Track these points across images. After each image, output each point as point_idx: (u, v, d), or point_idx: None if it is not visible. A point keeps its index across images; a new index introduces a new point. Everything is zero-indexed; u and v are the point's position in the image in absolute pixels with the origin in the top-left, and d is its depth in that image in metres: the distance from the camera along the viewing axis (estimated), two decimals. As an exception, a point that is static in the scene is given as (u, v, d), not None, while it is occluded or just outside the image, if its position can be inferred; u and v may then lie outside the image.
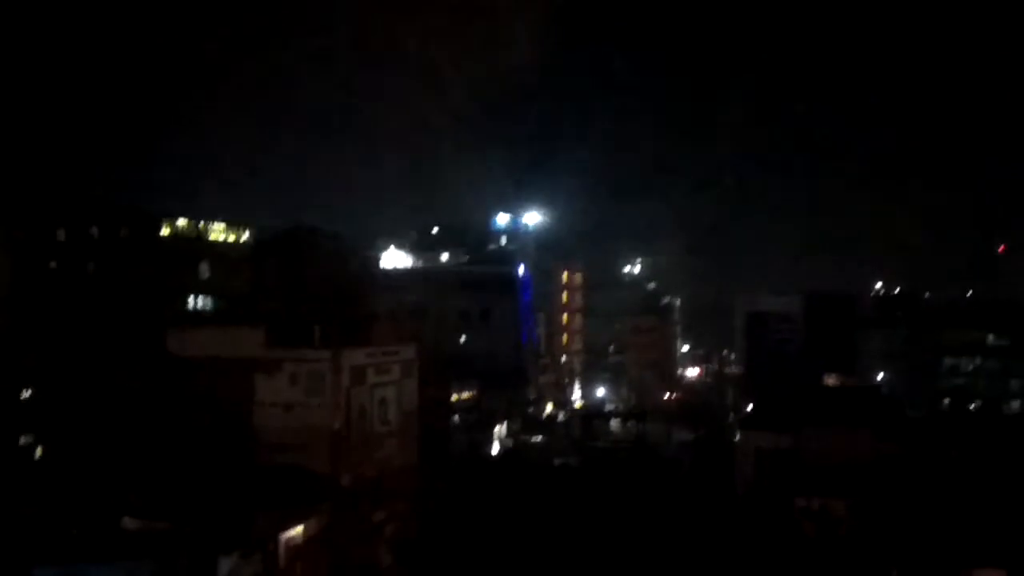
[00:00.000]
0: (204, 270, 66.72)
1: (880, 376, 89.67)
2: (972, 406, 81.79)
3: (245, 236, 71.94)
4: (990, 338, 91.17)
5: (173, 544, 35.37)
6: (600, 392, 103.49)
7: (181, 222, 67.22)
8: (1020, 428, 57.58)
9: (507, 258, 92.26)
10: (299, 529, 38.50)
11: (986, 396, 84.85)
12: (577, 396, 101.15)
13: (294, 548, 37.64)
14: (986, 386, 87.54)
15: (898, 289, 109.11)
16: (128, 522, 37.95)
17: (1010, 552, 35.29)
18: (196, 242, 67.48)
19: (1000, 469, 42.23)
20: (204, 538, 35.69)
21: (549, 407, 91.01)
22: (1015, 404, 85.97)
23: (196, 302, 65.80)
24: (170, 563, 34.46)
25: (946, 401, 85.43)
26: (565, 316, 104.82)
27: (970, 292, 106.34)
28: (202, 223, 68.82)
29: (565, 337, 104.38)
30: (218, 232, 70.15)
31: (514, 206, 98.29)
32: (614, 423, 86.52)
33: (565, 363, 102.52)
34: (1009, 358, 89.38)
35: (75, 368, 52.34)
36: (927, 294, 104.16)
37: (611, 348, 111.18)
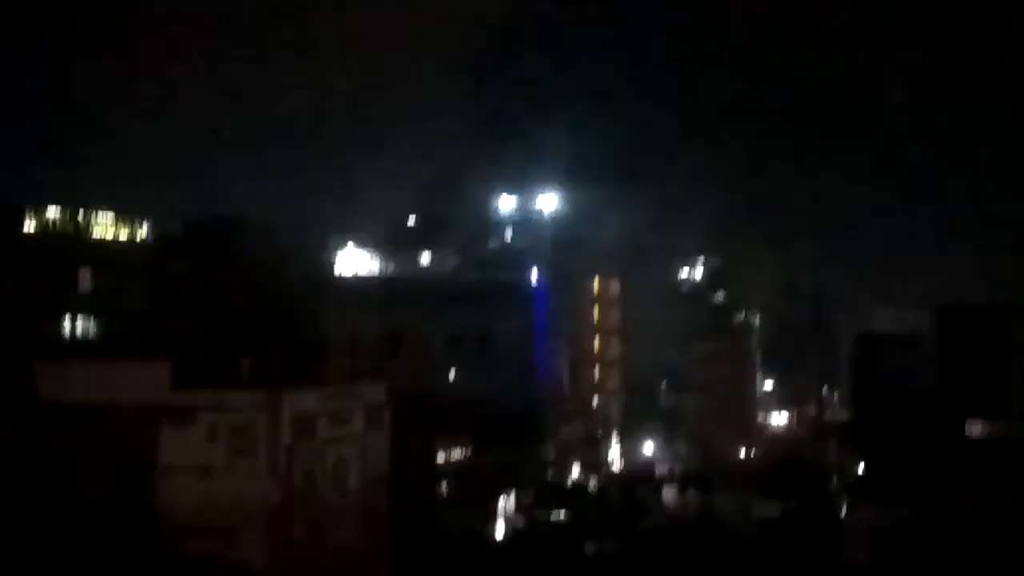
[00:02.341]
0: (85, 279, 66.75)
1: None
2: None
3: (143, 233, 72.02)
4: None
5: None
6: (648, 449, 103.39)
7: (52, 214, 67.29)
8: None
9: (514, 260, 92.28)
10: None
11: None
12: (615, 454, 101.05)
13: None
14: None
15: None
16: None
17: None
18: (74, 241, 67.54)
19: None
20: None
21: (576, 471, 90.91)
22: None
23: (75, 324, 65.83)
24: None
25: None
26: (597, 341, 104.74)
27: None
28: (82, 215, 68.89)
29: (597, 371, 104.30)
30: (105, 227, 70.21)
31: (524, 186, 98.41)
32: (668, 492, 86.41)
33: (598, 408, 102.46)
34: None
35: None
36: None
37: (663, 386, 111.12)
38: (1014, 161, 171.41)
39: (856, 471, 77.14)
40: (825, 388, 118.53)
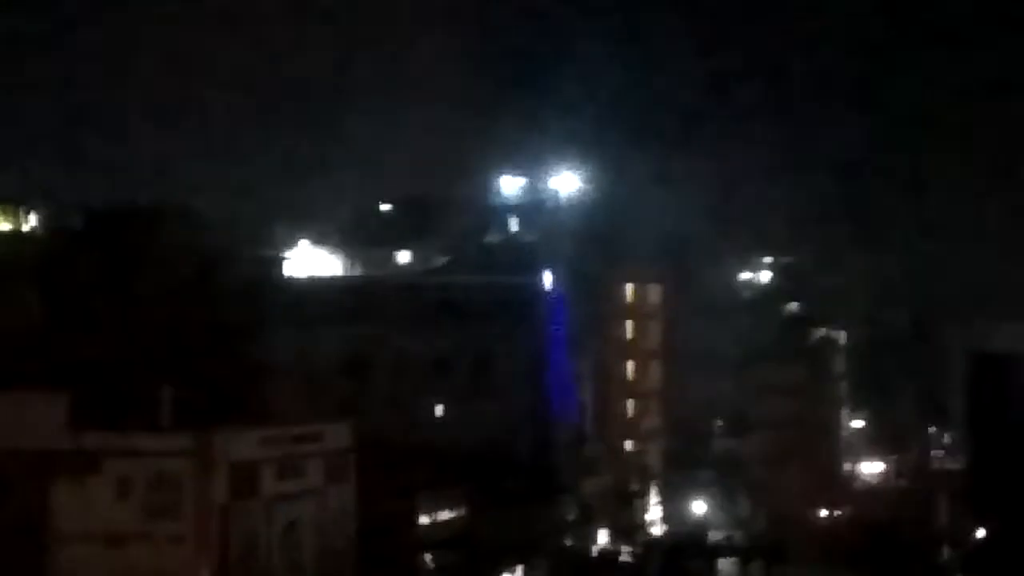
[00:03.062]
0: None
1: None
2: None
3: (30, 223, 72.24)
4: None
5: None
6: (699, 508, 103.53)
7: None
8: None
9: (520, 258, 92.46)
10: None
11: None
12: (656, 515, 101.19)
13: None
14: None
15: None
16: None
17: None
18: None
19: None
20: None
21: (604, 536, 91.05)
22: None
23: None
24: None
25: None
26: (632, 366, 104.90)
27: None
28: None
29: (631, 404, 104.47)
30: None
31: (532, 164, 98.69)
32: (725, 565, 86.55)
33: (632, 453, 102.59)
34: None
35: None
36: None
37: (719, 425, 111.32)
38: None
39: (974, 536, 77.18)
40: (932, 427, 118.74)
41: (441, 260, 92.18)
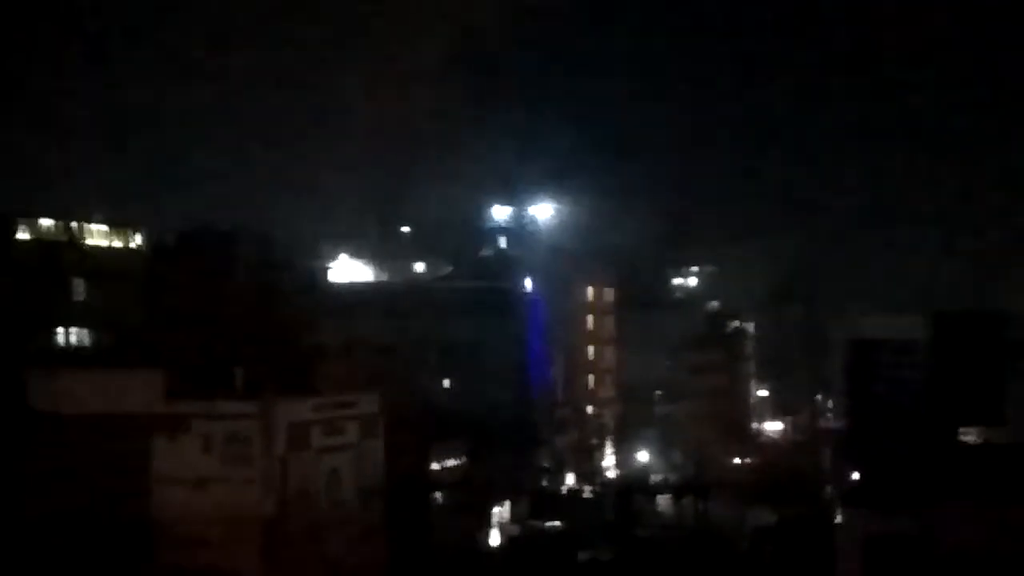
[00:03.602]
0: (79, 289, 66.70)
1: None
2: None
3: (136, 241, 72.00)
4: None
5: None
6: (643, 457, 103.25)
7: (46, 223, 67.23)
8: None
9: (508, 268, 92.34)
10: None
11: None
12: (611, 463, 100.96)
13: None
14: None
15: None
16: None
17: None
18: (68, 250, 67.50)
19: None
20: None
21: (570, 479, 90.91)
22: None
23: (68, 334, 65.74)
24: None
25: None
26: (592, 350, 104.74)
27: None
28: (76, 225, 68.82)
29: (592, 379, 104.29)
30: (99, 236, 70.17)
31: (517, 195, 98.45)
32: (663, 501, 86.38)
33: (592, 416, 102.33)
34: None
35: None
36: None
37: (658, 394, 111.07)
38: (1012, 164, 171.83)
39: (851, 478, 77.13)
40: (819, 395, 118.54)
41: (447, 269, 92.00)
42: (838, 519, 57.90)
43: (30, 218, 66.56)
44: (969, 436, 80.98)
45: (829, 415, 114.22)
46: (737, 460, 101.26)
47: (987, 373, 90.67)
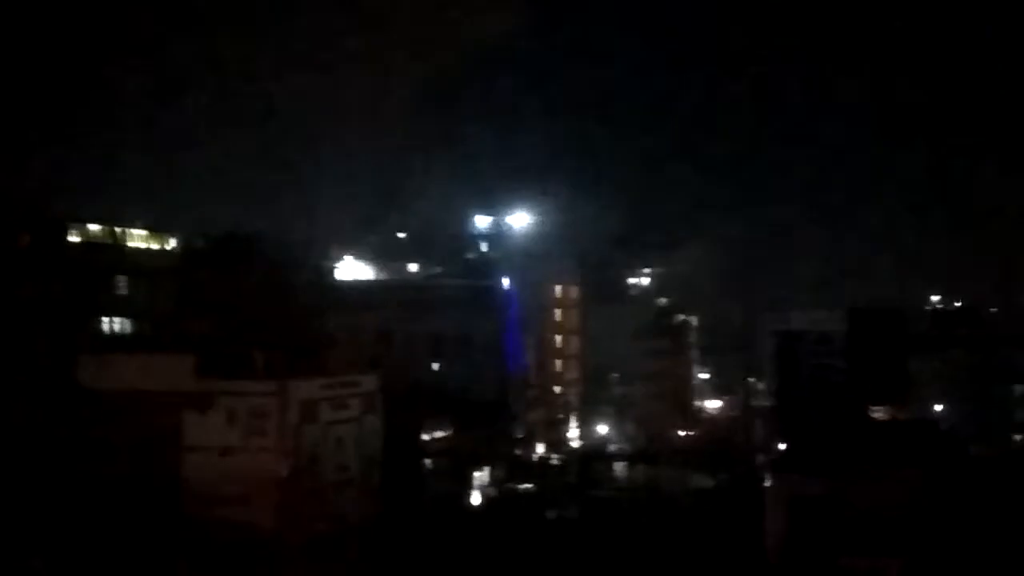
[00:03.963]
0: (122, 285, 66.42)
1: (938, 408, 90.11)
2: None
3: (171, 244, 71.70)
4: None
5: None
6: (602, 430, 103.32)
7: (94, 228, 66.91)
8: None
9: (488, 269, 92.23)
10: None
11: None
12: (575, 434, 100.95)
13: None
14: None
15: (959, 304, 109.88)
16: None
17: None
18: (112, 251, 67.21)
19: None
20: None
21: (540, 448, 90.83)
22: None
23: (112, 323, 65.44)
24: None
25: (1017, 437, 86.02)
26: (558, 338, 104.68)
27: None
28: (119, 230, 68.52)
29: (559, 364, 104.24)
30: (139, 240, 69.88)
31: (496, 206, 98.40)
32: (619, 467, 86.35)
33: (559, 395, 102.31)
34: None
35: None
36: (992, 311, 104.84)
37: (615, 377, 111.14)
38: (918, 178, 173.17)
39: (778, 448, 77.36)
40: (752, 378, 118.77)
41: (436, 270, 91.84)
42: (767, 483, 57.96)
43: (80, 223, 66.24)
44: (877, 413, 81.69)
45: (759, 395, 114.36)
46: (681, 432, 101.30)
47: (893, 361, 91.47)
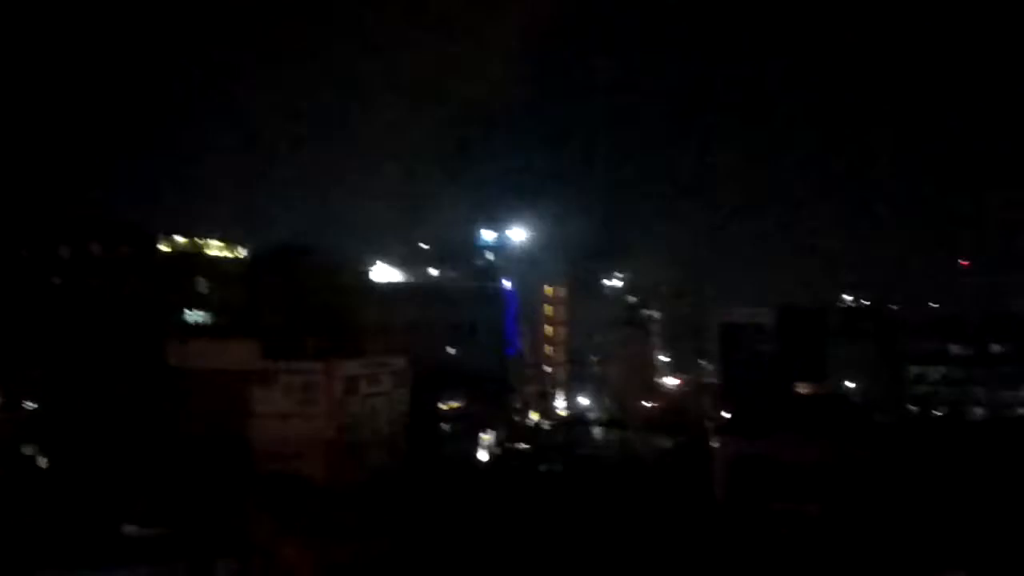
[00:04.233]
0: (202, 285, 66.53)
1: (850, 384, 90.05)
2: (937, 412, 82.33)
3: (241, 253, 71.80)
4: (953, 348, 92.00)
5: (172, 549, 35.25)
6: (583, 401, 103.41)
7: (180, 239, 67.06)
8: (982, 433, 57.98)
9: (493, 273, 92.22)
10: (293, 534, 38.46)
11: (950, 403, 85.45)
12: (561, 405, 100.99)
13: (289, 551, 37.61)
14: (950, 393, 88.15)
15: (866, 302, 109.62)
16: (128, 529, 37.83)
17: (975, 557, 35.50)
18: (194, 258, 67.33)
19: (964, 473, 42.53)
20: (202, 544, 35.59)
21: (534, 416, 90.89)
22: (978, 410, 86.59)
23: (195, 316, 65.57)
24: (169, 568, 34.33)
25: (912, 408, 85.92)
26: (549, 328, 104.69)
27: (935, 306, 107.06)
28: (200, 240, 68.64)
29: (549, 348, 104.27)
30: (215, 249, 69.97)
31: (500, 223, 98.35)
32: (596, 431, 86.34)
33: (549, 373, 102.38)
34: (971, 367, 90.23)
35: (78, 380, 52.10)
36: (894, 307, 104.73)
37: (593, 359, 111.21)
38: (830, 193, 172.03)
39: (722, 416, 77.46)
40: (703, 361, 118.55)
41: (452, 274, 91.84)
42: (714, 444, 58.04)
43: (168, 235, 66.35)
44: (801, 388, 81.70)
45: (708, 374, 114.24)
46: (646, 404, 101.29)
47: (813, 347, 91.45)
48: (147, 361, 50.55)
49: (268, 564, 35.91)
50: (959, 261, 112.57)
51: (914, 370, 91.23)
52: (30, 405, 54.14)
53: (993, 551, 35.73)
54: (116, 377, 50.68)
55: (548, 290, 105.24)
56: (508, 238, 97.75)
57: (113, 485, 42.13)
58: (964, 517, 38.18)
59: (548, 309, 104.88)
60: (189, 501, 38.51)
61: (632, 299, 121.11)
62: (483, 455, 69.60)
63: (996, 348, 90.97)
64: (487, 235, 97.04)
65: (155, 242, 65.03)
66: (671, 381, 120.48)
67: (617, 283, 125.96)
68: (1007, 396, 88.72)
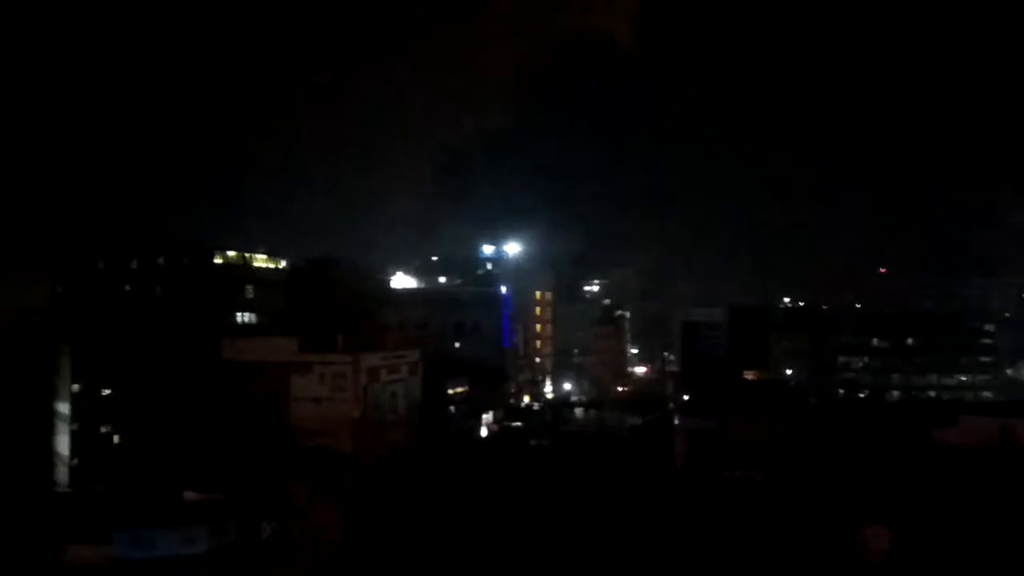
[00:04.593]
0: (249, 292, 66.40)
1: (788, 372, 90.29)
2: (860, 395, 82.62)
3: (282, 264, 71.70)
4: (874, 341, 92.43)
5: (225, 512, 35.25)
6: (567, 386, 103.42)
7: (231, 253, 66.97)
8: (898, 413, 58.18)
9: (492, 280, 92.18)
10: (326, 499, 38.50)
11: (871, 387, 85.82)
12: (549, 389, 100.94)
13: (323, 514, 37.65)
14: (871, 379, 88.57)
15: (802, 303, 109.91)
16: (189, 495, 37.83)
17: (892, 512, 35.65)
18: (243, 269, 67.17)
19: (882, 444, 42.71)
20: (250, 507, 35.59)
21: (526, 399, 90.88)
22: (895, 393, 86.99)
23: (243, 317, 65.43)
24: (222, 528, 34.33)
25: (840, 391, 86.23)
26: (538, 326, 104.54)
27: (859, 305, 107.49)
28: (247, 254, 68.52)
29: (538, 343, 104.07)
30: (260, 261, 69.85)
31: (498, 239, 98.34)
32: (578, 411, 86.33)
33: (539, 363, 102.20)
34: (888, 357, 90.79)
35: (146, 371, 52.07)
36: (824, 307, 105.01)
37: (575, 351, 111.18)
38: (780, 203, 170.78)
39: (683, 399, 77.61)
40: (666, 352, 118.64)
41: (458, 281, 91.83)
42: (676, 421, 58.15)
43: (221, 250, 66.16)
44: (748, 375, 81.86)
45: (671, 363, 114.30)
46: (619, 388, 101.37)
47: (758, 340, 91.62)
48: (204, 355, 50.52)
49: (305, 525, 35.91)
50: (879, 269, 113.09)
51: (841, 360, 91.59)
52: (106, 391, 54.06)
53: (907, 507, 35.87)
54: (178, 368, 50.66)
55: (538, 295, 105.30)
56: (505, 252, 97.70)
57: (175, 459, 42.12)
58: (883, 480, 38.31)
59: (538, 310, 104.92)
60: (239, 472, 38.48)
61: (607, 301, 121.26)
62: (484, 432, 69.57)
63: (910, 341, 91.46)
64: (487, 249, 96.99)
65: (211, 255, 64.96)
66: (640, 369, 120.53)
67: (595, 288, 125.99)
68: (919, 381, 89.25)
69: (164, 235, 66.17)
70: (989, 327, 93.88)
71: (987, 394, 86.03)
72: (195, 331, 54.74)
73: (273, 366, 48.20)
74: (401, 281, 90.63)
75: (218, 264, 65.53)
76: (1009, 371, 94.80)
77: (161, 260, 62.32)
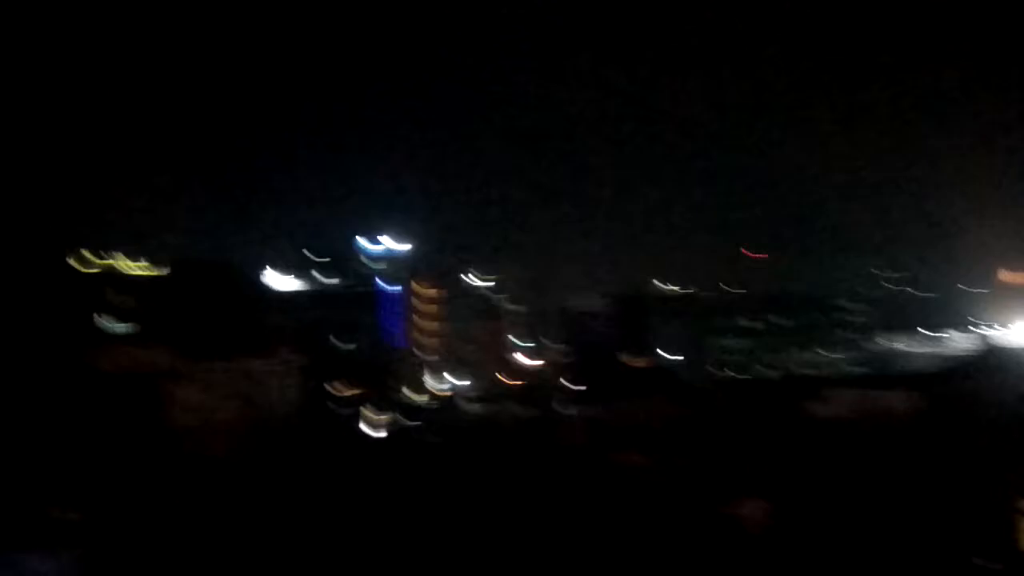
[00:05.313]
0: (112, 295, 62.77)
1: (672, 357, 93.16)
2: (735, 376, 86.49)
3: (147, 266, 68.31)
4: (744, 323, 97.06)
5: (94, 529, 33.30)
6: (459, 381, 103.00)
7: (87, 253, 63.26)
8: (768, 390, 61.39)
9: (382, 277, 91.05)
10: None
11: (746, 367, 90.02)
12: (440, 386, 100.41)
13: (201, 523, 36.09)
14: (745, 360, 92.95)
15: (687, 290, 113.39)
16: (55, 512, 35.51)
17: (770, 486, 37.49)
18: (105, 271, 63.59)
19: (759, 420, 44.91)
20: (119, 522, 33.76)
21: (418, 396, 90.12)
22: (771, 372, 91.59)
23: (112, 324, 61.90)
24: (91, 546, 32.39)
25: (717, 372, 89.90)
26: (428, 322, 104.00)
27: (731, 290, 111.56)
28: (109, 255, 64.92)
29: (429, 340, 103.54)
30: (138, 269, 66.35)
31: (389, 235, 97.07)
32: (471, 406, 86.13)
33: (430, 360, 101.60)
34: (759, 338, 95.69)
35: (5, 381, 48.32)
36: (706, 293, 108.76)
37: (464, 344, 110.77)
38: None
39: (572, 389, 78.55)
40: (559, 343, 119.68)
41: (347, 279, 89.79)
42: (568, 411, 58.99)
43: (80, 250, 62.20)
44: (633, 362, 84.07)
45: (558, 353, 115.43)
46: (511, 381, 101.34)
47: (642, 328, 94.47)
48: (69, 363, 47.44)
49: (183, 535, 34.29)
50: (747, 252, 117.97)
51: (717, 343, 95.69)
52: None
53: (785, 481, 37.80)
54: (40, 377, 47.35)
55: (430, 291, 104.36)
56: (394, 249, 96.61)
57: (39, 475, 39.36)
58: (762, 455, 40.23)
59: (428, 306, 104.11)
60: (108, 486, 36.40)
61: (493, 294, 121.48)
62: (374, 431, 68.53)
63: (778, 321, 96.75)
64: (376, 245, 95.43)
65: (66, 255, 61.06)
66: (529, 361, 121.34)
67: (491, 283, 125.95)
68: (790, 359, 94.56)
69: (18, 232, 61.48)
70: (849, 305, 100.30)
71: (854, 369, 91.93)
72: (58, 337, 51.34)
73: (151, 374, 45.91)
74: (283, 281, 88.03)
75: (74, 266, 61.79)
76: (868, 344, 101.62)
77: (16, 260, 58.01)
